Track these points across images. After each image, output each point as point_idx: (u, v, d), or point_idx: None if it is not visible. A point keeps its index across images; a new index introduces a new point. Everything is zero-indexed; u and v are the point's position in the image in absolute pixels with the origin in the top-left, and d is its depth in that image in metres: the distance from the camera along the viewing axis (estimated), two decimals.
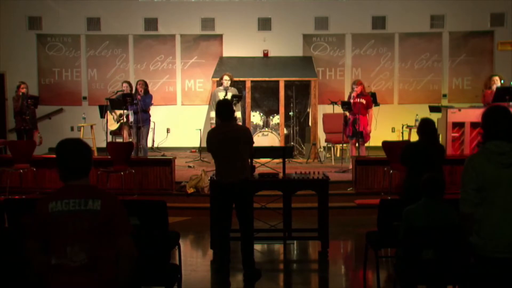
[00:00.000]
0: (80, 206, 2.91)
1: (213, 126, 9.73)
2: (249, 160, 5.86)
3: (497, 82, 9.63)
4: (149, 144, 11.50)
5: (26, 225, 3.13)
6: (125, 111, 10.19)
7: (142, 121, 9.87)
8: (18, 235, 4.26)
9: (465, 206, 3.27)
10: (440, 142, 9.67)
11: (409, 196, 5.58)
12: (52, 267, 2.90)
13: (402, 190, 5.93)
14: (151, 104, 10.19)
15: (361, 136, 9.36)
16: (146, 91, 10.04)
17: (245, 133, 5.67)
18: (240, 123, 9.98)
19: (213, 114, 9.77)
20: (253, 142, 5.71)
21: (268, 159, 7.44)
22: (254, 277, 5.53)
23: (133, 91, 10.23)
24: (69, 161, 2.98)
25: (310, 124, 11.43)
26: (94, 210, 2.90)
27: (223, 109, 5.60)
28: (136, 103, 9.74)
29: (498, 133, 3.27)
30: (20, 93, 9.90)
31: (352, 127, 9.32)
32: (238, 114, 9.86)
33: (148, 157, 10.19)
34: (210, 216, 6.43)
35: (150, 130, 10.77)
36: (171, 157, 9.32)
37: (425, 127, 5.68)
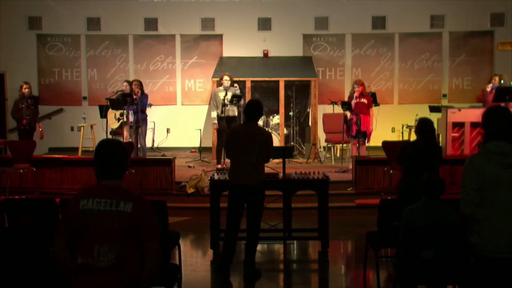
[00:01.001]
0: (111, 207, 2.91)
1: (215, 126, 9.74)
2: (266, 162, 5.77)
3: (496, 82, 9.67)
4: (149, 144, 11.51)
5: (57, 222, 3.13)
6: (125, 111, 10.20)
7: (141, 121, 9.89)
8: (18, 234, 4.26)
9: (466, 206, 3.27)
10: (440, 142, 9.73)
11: (406, 195, 5.59)
12: (78, 266, 2.90)
13: (398, 189, 5.93)
14: (147, 104, 10.23)
15: (363, 136, 9.38)
16: (142, 91, 10.08)
17: (267, 137, 5.55)
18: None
19: (214, 114, 9.77)
20: (271, 147, 5.57)
21: None
22: (254, 277, 5.53)
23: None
24: (103, 161, 3.01)
25: (310, 124, 11.43)
26: (125, 212, 2.91)
27: (251, 108, 5.51)
28: (136, 103, 9.76)
29: (499, 133, 3.26)
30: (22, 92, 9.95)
31: (356, 127, 9.32)
32: (236, 113, 9.85)
33: (148, 157, 10.20)
34: (210, 216, 6.43)
35: (150, 130, 10.80)
36: (171, 157, 9.32)
37: (423, 127, 5.66)
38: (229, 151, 5.64)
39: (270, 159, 5.70)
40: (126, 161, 3.06)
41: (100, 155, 3.03)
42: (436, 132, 5.79)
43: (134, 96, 9.79)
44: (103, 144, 3.07)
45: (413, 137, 10.66)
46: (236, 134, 5.56)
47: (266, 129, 10.71)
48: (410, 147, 5.82)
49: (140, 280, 2.95)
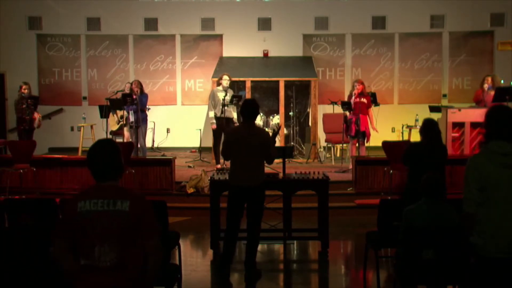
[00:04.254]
0: (108, 207, 2.91)
1: (214, 126, 9.71)
2: (270, 163, 5.75)
3: (489, 82, 9.64)
4: (149, 144, 11.51)
5: (55, 224, 3.13)
6: (125, 111, 10.20)
7: (141, 121, 9.89)
8: (18, 234, 4.26)
9: (469, 206, 3.26)
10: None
11: (411, 196, 5.57)
12: (81, 267, 2.91)
13: (404, 190, 5.91)
14: (147, 104, 10.25)
15: (363, 136, 9.38)
16: (142, 90, 10.09)
17: (266, 137, 5.54)
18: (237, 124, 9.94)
19: (211, 114, 9.75)
20: (273, 146, 5.53)
21: None
22: (255, 277, 5.53)
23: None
24: (97, 163, 3.01)
25: (310, 124, 11.43)
26: (122, 211, 2.91)
27: (249, 107, 5.49)
28: (136, 103, 9.76)
29: (501, 133, 3.25)
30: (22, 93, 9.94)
31: (356, 127, 9.32)
32: (234, 115, 9.83)
33: (148, 157, 10.20)
34: (210, 216, 6.42)
35: (150, 130, 10.80)
36: (171, 157, 9.31)
37: (429, 127, 5.65)
38: (228, 152, 5.62)
39: (273, 160, 5.63)
40: (120, 162, 3.05)
41: (93, 157, 3.02)
42: (441, 133, 5.75)
43: (134, 96, 9.80)
44: (96, 146, 3.06)
45: (413, 137, 10.71)
46: (235, 135, 5.56)
47: (266, 129, 10.73)
48: (415, 148, 5.81)
49: (143, 278, 2.95)
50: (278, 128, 6.08)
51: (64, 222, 2.99)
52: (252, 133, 5.43)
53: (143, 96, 10.05)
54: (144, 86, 10.45)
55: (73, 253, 2.94)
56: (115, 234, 2.89)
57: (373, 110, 9.77)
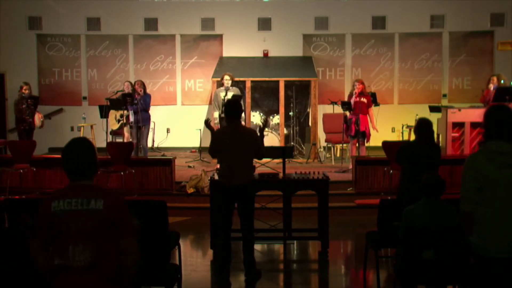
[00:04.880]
0: (82, 206, 2.90)
1: (217, 126, 9.71)
2: (260, 159, 5.80)
3: (494, 82, 9.67)
4: (149, 144, 11.50)
5: (32, 225, 3.13)
6: (125, 111, 10.21)
7: (143, 121, 9.90)
8: (18, 234, 4.26)
9: (466, 204, 3.26)
10: (440, 142, 9.74)
11: (404, 195, 5.61)
12: (55, 267, 2.91)
13: (397, 190, 5.94)
14: (150, 104, 10.24)
15: (363, 136, 9.38)
16: (145, 90, 10.10)
17: (252, 135, 5.56)
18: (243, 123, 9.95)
19: (216, 114, 9.78)
20: (259, 144, 5.57)
21: (268, 159, 7.43)
22: (255, 276, 5.53)
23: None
24: (69, 161, 2.99)
25: (310, 124, 11.43)
26: (96, 209, 2.90)
27: (231, 107, 5.54)
28: (136, 103, 9.76)
29: (500, 133, 3.25)
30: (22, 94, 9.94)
31: (355, 127, 9.32)
32: None
33: (148, 157, 10.20)
34: (210, 216, 6.42)
35: (150, 130, 10.78)
36: (171, 157, 9.32)
37: (422, 127, 5.69)
38: (215, 152, 5.66)
39: (263, 155, 5.69)
40: (94, 161, 3.02)
41: (67, 157, 3.00)
42: (434, 133, 5.78)
43: (136, 96, 9.79)
44: (68, 144, 3.03)
45: (413, 137, 10.69)
46: (221, 135, 5.59)
47: (266, 129, 10.72)
48: (408, 147, 5.86)
49: (121, 278, 2.94)
50: (264, 123, 6.11)
51: (39, 222, 2.98)
52: (237, 133, 5.46)
53: (147, 97, 10.06)
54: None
55: (49, 252, 2.94)
56: (89, 234, 2.88)
57: (374, 110, 9.77)
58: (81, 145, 3.03)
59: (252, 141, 5.47)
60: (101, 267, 2.89)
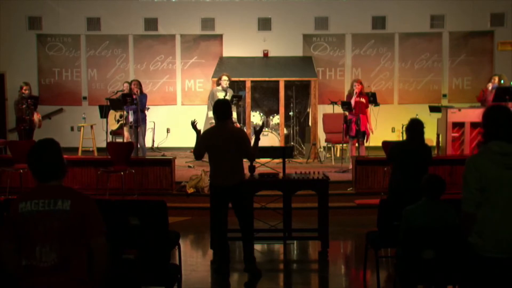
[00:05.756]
0: (49, 206, 2.90)
1: (213, 125, 9.68)
2: (252, 160, 5.81)
3: (495, 82, 9.68)
4: (149, 144, 11.51)
5: (2, 226, 3.13)
6: (125, 112, 10.21)
7: (140, 121, 9.90)
8: None
9: (468, 206, 3.25)
10: (440, 142, 9.74)
11: (393, 194, 5.65)
12: (23, 268, 2.90)
13: (388, 188, 5.99)
14: (146, 104, 10.25)
15: (363, 136, 9.38)
16: (141, 90, 10.09)
17: (239, 135, 5.56)
18: (238, 125, 9.92)
19: (211, 114, 9.73)
20: (249, 143, 5.58)
21: (268, 159, 7.44)
22: (255, 273, 5.54)
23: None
24: (34, 163, 2.99)
25: (310, 124, 11.43)
26: (63, 210, 2.90)
27: (221, 107, 5.56)
28: (136, 103, 9.76)
29: (499, 133, 3.24)
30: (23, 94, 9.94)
31: (356, 127, 9.31)
32: (234, 114, 9.81)
33: (148, 157, 10.20)
34: (210, 216, 6.42)
35: (150, 130, 10.79)
36: (171, 157, 9.31)
37: (413, 127, 5.72)
38: (198, 153, 5.71)
39: (254, 156, 5.69)
40: (61, 161, 3.03)
41: (33, 158, 2.99)
42: (424, 133, 5.80)
43: (134, 96, 9.80)
44: (36, 146, 3.02)
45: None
46: (208, 135, 5.60)
47: (266, 129, 10.72)
48: (398, 147, 5.93)
49: (91, 278, 2.94)
50: (261, 127, 6.13)
51: (7, 223, 2.98)
52: (225, 133, 5.46)
53: (143, 96, 10.06)
54: (144, 86, 10.45)
55: (18, 254, 2.94)
56: (56, 234, 2.88)
57: (373, 110, 9.76)
58: (47, 146, 3.03)
59: (239, 141, 5.45)
60: (68, 267, 2.88)
